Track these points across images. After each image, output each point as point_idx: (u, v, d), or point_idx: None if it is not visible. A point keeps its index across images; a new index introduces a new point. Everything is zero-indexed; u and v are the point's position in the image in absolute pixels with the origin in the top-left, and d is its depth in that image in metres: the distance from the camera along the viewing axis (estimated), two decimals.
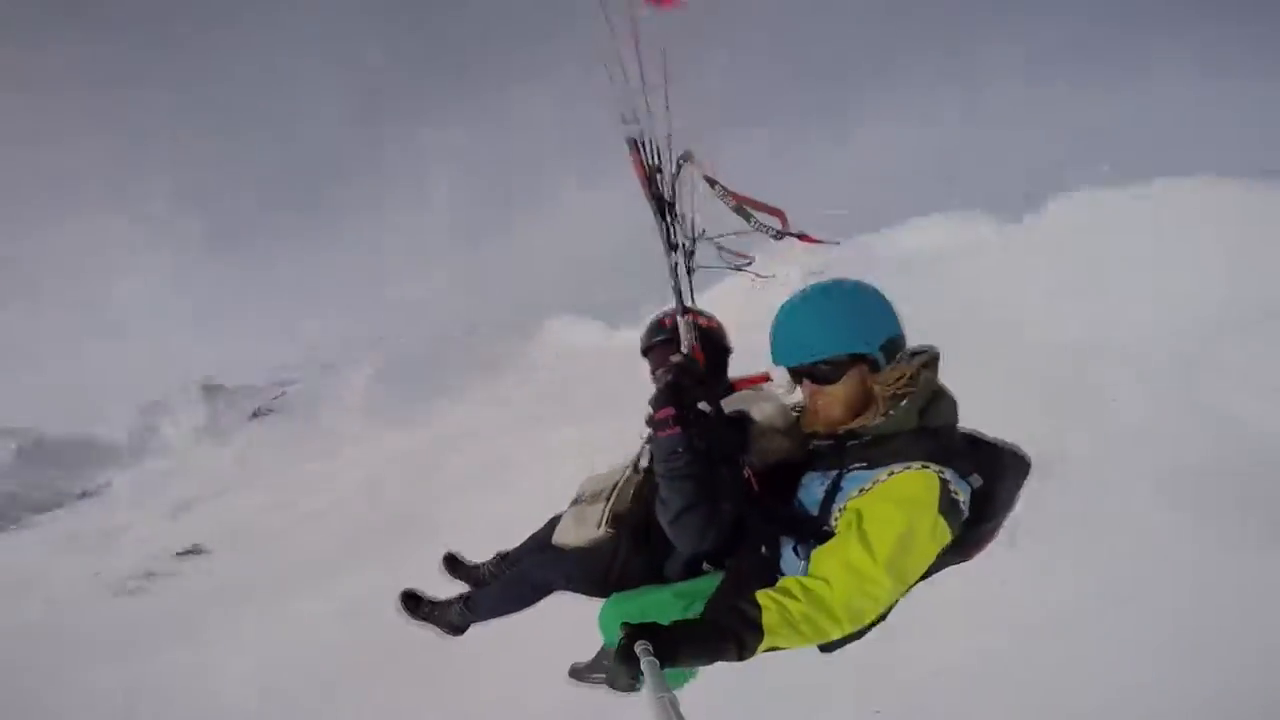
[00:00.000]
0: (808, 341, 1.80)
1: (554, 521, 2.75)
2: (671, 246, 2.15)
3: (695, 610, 1.92)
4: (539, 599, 2.62)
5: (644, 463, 2.41)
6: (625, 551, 2.34)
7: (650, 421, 1.99)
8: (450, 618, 2.90)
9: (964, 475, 1.68)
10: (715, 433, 1.98)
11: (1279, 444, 7.01)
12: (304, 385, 34.11)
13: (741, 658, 1.65)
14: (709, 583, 2.06)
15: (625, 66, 1.76)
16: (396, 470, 17.84)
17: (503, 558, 3.05)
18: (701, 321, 2.51)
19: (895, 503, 1.63)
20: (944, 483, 1.63)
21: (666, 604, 2.06)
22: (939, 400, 1.80)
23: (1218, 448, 7.21)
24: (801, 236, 1.93)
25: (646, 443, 2.27)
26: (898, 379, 1.72)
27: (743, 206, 1.89)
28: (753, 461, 2.03)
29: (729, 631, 1.64)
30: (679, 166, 2.01)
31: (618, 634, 1.61)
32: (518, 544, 3.01)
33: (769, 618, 1.61)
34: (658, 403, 1.99)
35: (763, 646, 1.63)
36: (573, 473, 3.09)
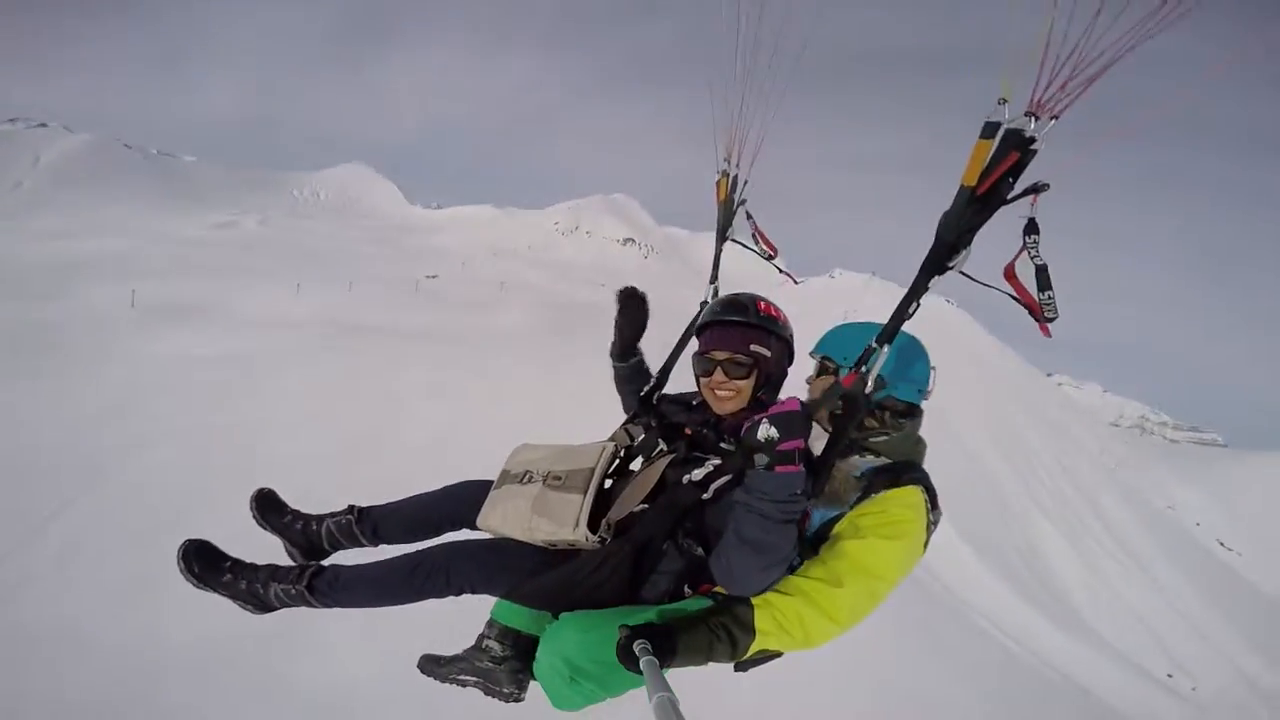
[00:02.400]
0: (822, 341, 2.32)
1: (461, 490, 2.34)
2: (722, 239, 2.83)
3: None
4: (441, 596, 2.02)
5: (696, 476, 2.03)
6: (615, 568, 1.93)
7: (770, 450, 1.74)
8: (262, 592, 2.09)
9: (934, 506, 1.99)
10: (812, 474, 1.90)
11: None
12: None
13: (734, 658, 1.82)
14: (693, 605, 1.93)
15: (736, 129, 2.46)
16: None
17: (359, 516, 2.38)
18: (790, 326, 2.33)
19: (900, 508, 1.88)
20: (925, 497, 1.94)
21: None
22: (920, 446, 2.15)
23: None
24: (780, 269, 2.80)
25: (731, 467, 2.03)
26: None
27: (755, 237, 2.67)
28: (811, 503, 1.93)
29: (723, 630, 1.78)
30: (742, 202, 2.75)
31: (573, 668, 1.76)
32: (385, 502, 2.42)
33: (761, 618, 1.79)
34: (789, 429, 1.74)
35: (755, 646, 1.80)
36: None
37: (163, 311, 25.91)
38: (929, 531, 1.96)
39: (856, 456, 2.08)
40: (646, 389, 2.64)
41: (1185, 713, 26.01)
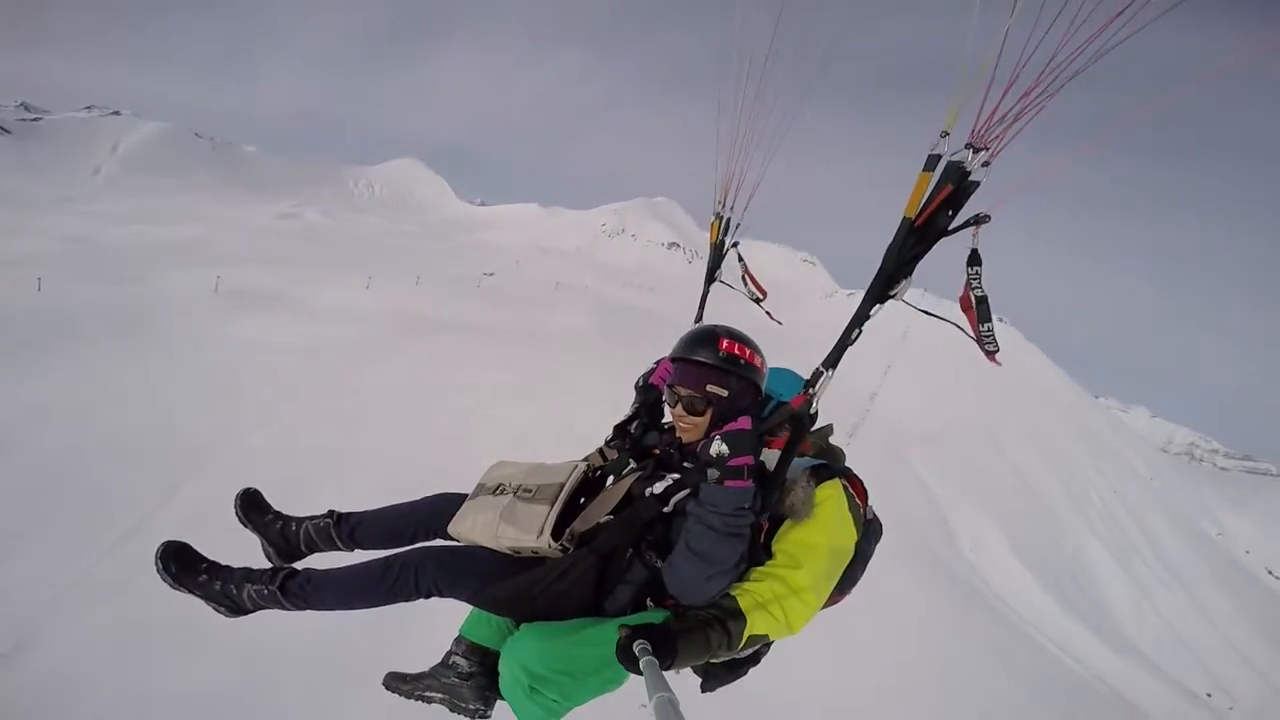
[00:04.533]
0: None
1: (439, 502, 2.37)
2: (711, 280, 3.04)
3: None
4: (410, 599, 2.05)
5: (656, 489, 2.12)
6: (579, 576, 2.00)
7: (720, 465, 1.90)
8: (235, 593, 2.15)
9: (863, 500, 2.22)
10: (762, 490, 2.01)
11: None
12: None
13: (732, 648, 1.86)
14: (654, 617, 1.97)
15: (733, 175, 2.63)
16: None
17: (338, 521, 2.40)
18: (758, 363, 2.31)
19: (823, 493, 2.08)
20: (844, 485, 2.13)
21: (609, 640, 1.77)
22: (836, 450, 2.44)
23: None
24: (769, 313, 2.98)
25: (686, 481, 2.11)
26: None
27: (745, 279, 2.86)
28: (766, 516, 2.05)
29: (716, 622, 1.83)
30: (734, 245, 2.94)
31: (533, 677, 1.77)
32: (365, 509, 2.45)
33: (745, 603, 1.88)
34: (739, 447, 1.91)
35: (747, 631, 1.86)
36: None
37: (242, 298, 26.49)
38: (857, 517, 2.15)
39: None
40: (625, 418, 2.72)
41: None
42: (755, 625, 1.87)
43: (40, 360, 16.57)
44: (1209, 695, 33.62)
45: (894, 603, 17.46)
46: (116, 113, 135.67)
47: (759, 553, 2.04)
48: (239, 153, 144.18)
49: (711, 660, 1.98)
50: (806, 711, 12.88)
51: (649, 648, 1.63)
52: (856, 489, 2.21)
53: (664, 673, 1.63)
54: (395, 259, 52.11)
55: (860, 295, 1.88)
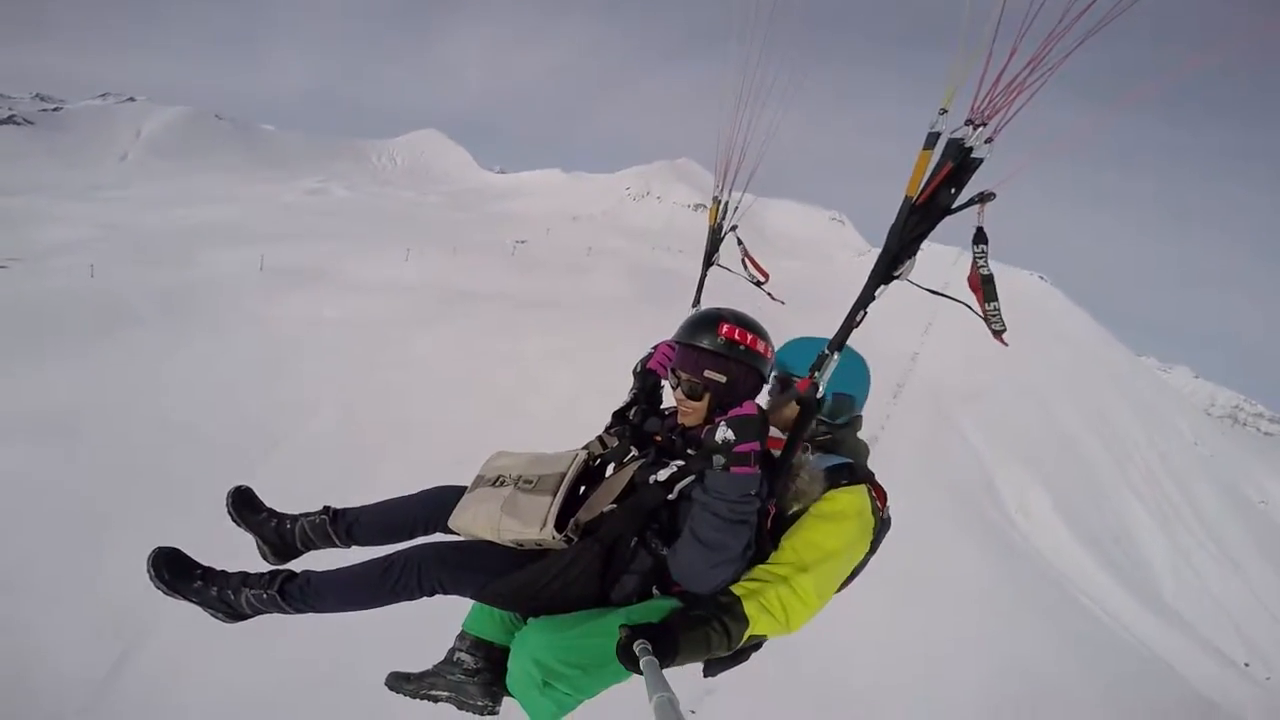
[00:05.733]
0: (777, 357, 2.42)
1: (438, 495, 2.34)
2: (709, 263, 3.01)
3: None
4: (413, 598, 2.03)
5: (660, 476, 2.07)
6: (585, 567, 1.99)
7: (727, 451, 1.88)
8: (233, 599, 2.13)
9: (883, 505, 2.19)
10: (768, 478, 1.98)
11: None
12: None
13: (731, 647, 1.88)
14: (661, 606, 1.99)
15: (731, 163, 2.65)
16: None
17: (334, 518, 2.36)
18: (761, 348, 2.25)
19: (847, 498, 2.08)
20: (870, 494, 2.12)
21: (617, 632, 1.76)
22: (863, 447, 2.41)
23: None
24: (770, 294, 2.89)
25: (693, 468, 2.05)
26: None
27: (744, 262, 2.79)
28: (773, 502, 2.04)
29: (717, 623, 1.83)
30: (732, 228, 2.94)
31: (546, 671, 1.77)
32: (360, 505, 2.41)
33: (749, 605, 1.86)
34: (745, 433, 1.89)
35: (747, 632, 1.86)
36: None
37: (286, 276, 26.57)
38: (877, 523, 2.13)
39: (809, 455, 2.22)
40: (624, 404, 2.70)
41: (1259, 699, 25.33)
42: (756, 628, 1.89)
43: (103, 346, 16.80)
44: (1246, 665, 33.00)
45: (947, 565, 17.27)
46: (132, 99, 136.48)
47: (765, 542, 2.03)
48: (259, 132, 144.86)
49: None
50: (858, 674, 12.76)
51: (649, 647, 1.64)
52: (878, 494, 2.19)
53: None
54: (428, 230, 52.03)
55: None
